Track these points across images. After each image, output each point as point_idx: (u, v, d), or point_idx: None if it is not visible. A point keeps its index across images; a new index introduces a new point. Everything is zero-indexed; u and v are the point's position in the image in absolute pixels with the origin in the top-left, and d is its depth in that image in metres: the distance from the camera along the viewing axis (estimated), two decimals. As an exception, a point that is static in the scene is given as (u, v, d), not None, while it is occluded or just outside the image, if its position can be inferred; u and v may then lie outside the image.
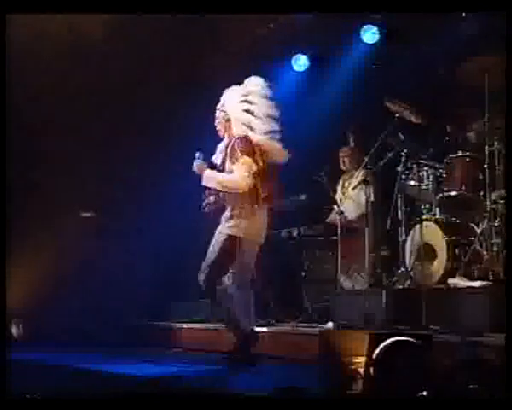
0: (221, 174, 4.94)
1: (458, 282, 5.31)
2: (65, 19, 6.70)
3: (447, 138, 6.01)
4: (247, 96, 4.97)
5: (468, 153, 5.67)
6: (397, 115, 5.87)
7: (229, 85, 5.20)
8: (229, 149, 4.92)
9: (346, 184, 6.98)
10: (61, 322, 7.24)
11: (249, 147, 4.84)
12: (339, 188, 7.02)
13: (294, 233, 6.94)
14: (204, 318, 7.07)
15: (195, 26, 7.29)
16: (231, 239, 4.86)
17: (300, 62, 8.09)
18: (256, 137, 4.89)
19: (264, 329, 5.90)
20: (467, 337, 4.01)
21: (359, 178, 6.44)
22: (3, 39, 5.53)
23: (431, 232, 5.55)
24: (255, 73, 5.09)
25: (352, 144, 7.10)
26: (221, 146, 5.09)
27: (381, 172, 6.08)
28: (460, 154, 5.71)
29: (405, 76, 6.83)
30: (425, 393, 3.15)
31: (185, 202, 8.30)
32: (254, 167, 4.81)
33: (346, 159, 7.02)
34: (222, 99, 5.11)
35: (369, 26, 7.28)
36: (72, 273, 7.57)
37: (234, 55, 8.04)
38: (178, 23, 7.07)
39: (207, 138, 5.30)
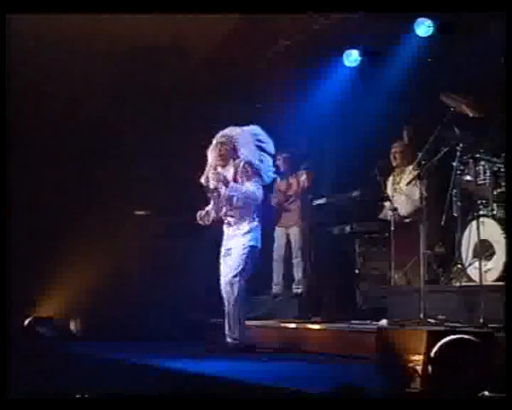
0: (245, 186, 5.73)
1: (518, 279, 5.19)
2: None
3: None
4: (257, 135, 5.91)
5: (527, 146, 5.52)
6: (452, 109, 5.75)
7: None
8: (240, 168, 5.75)
9: (398, 179, 6.89)
10: (119, 318, 7.33)
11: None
12: (389, 184, 6.93)
13: (347, 230, 6.88)
14: (261, 314, 7.10)
15: (248, 22, 7.28)
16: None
17: (352, 58, 8.00)
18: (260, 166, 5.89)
19: (318, 326, 5.87)
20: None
21: (413, 174, 6.33)
22: (3, 39, 5.55)
23: (489, 228, 5.43)
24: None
25: (405, 139, 7.00)
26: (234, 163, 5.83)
27: (436, 167, 5.97)
28: (519, 147, 5.57)
29: (460, 69, 6.69)
30: (486, 392, 3.08)
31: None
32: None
33: (397, 154, 6.92)
34: (226, 132, 5.89)
35: (423, 18, 7.14)
36: (132, 271, 7.68)
37: (284, 51, 8.02)
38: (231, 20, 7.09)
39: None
